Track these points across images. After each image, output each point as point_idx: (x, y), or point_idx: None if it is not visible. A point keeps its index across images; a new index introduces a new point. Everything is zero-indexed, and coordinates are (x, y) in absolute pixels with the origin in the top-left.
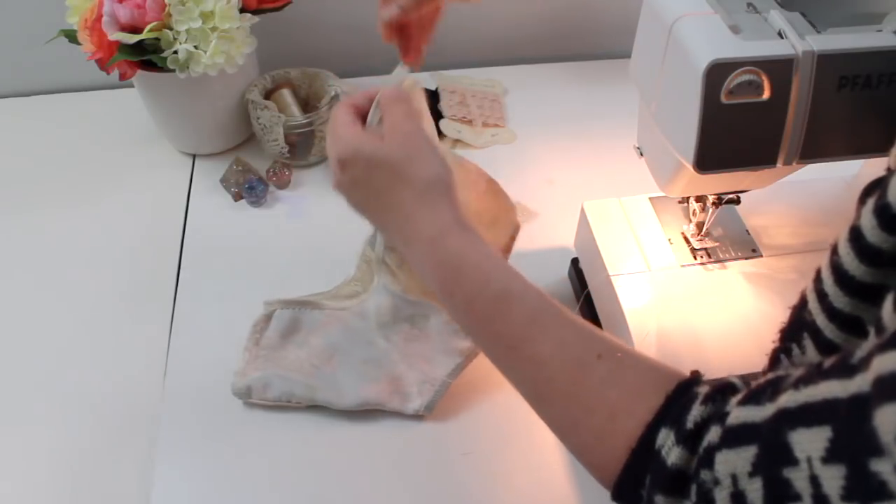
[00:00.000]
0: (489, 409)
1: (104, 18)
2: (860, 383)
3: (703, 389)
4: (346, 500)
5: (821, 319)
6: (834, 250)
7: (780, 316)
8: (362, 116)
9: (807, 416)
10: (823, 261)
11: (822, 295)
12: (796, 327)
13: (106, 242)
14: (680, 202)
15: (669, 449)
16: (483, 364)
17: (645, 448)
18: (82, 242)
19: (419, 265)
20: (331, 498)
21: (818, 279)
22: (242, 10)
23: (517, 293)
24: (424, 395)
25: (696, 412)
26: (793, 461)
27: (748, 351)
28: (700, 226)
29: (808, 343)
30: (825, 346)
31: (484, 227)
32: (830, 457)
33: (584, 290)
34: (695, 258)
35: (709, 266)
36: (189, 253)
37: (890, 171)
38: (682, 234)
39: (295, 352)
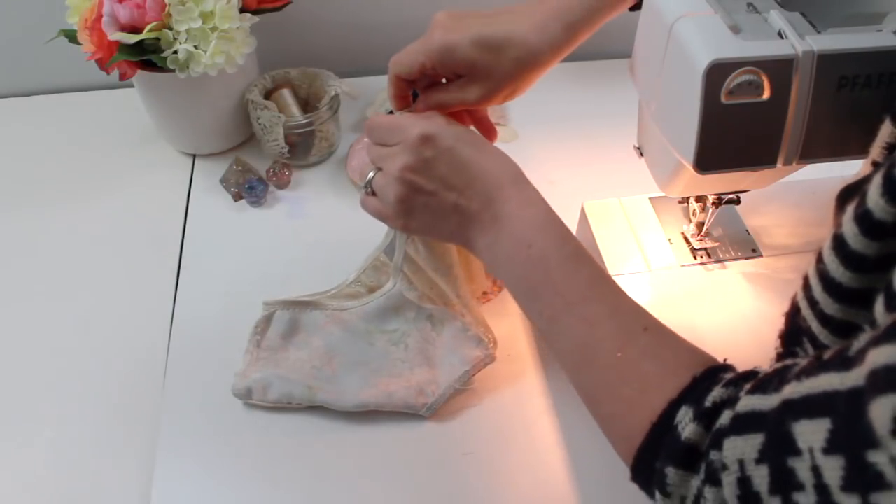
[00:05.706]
0: (489, 409)
1: (104, 18)
2: (856, 377)
3: (728, 375)
4: (346, 500)
5: (815, 326)
6: (819, 258)
7: (779, 316)
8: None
9: (809, 407)
10: (810, 268)
11: (812, 302)
12: (795, 333)
13: (106, 242)
14: (680, 202)
15: (686, 425)
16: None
17: (665, 423)
18: (82, 242)
19: (498, 225)
20: (331, 498)
21: (807, 286)
22: (242, 10)
23: (587, 257)
24: (429, 397)
25: (716, 393)
26: (796, 451)
27: (748, 351)
28: (700, 226)
29: (809, 347)
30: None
31: None
32: (830, 448)
33: None
34: (695, 258)
35: (709, 266)
36: (189, 253)
37: (873, 166)
38: (682, 234)
39: (296, 353)
